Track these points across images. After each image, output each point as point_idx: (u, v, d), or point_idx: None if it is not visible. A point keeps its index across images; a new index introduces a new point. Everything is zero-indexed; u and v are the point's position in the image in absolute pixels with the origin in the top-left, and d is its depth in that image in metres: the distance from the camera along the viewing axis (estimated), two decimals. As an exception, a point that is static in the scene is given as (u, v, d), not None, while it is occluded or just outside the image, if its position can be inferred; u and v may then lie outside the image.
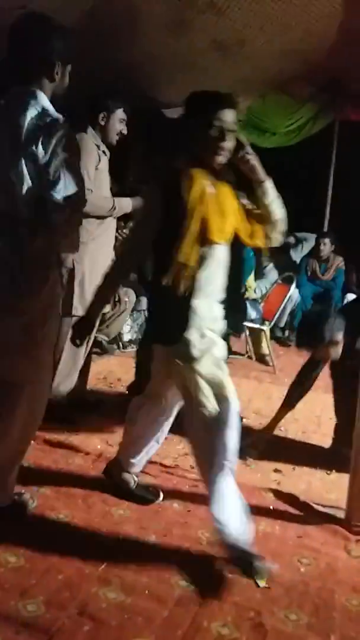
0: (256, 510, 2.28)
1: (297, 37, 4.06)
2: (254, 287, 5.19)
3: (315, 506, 2.35)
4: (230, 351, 4.94)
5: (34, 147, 1.77)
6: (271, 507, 2.34)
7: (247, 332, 4.95)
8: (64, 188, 1.76)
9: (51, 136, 1.76)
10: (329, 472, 2.73)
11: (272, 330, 5.03)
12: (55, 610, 1.61)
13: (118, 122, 3.00)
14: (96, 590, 1.72)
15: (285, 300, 4.95)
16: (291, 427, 3.32)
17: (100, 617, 1.60)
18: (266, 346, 4.80)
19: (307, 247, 6.41)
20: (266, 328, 4.69)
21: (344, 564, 2.00)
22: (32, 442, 2.65)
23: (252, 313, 4.74)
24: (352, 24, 3.84)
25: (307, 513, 2.31)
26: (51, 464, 2.52)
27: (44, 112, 1.81)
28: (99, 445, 2.75)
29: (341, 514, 2.27)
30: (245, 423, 3.30)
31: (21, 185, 1.78)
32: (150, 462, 2.57)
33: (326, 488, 2.58)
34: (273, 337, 5.45)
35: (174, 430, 2.99)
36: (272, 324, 4.83)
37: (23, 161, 1.78)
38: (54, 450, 2.64)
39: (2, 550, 1.86)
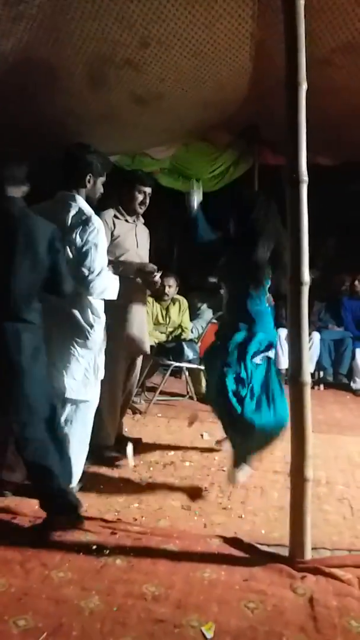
0: (201, 557, 2.25)
1: (212, 89, 4.28)
2: (190, 327, 5.25)
3: (259, 547, 2.34)
4: (172, 393, 4.98)
5: (73, 236, 2.57)
6: (217, 552, 2.30)
7: (187, 373, 4.97)
8: (91, 262, 2.56)
9: (85, 230, 2.58)
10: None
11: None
12: None
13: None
14: (36, 664, 1.62)
15: (221, 338, 5.01)
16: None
17: None
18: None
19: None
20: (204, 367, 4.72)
21: (291, 604, 1.98)
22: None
23: (189, 353, 4.77)
24: (261, 77, 4.11)
25: (252, 555, 2.30)
26: (-14, 530, 2.39)
27: (80, 211, 2.62)
28: (36, 506, 2.63)
29: (285, 552, 2.26)
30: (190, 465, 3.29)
31: (66, 263, 2.46)
32: (90, 518, 2.49)
33: (270, 527, 2.58)
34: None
35: (113, 483, 2.96)
36: (210, 362, 4.86)
37: (67, 247, 2.55)
38: (-12, 514, 2.51)
39: None
